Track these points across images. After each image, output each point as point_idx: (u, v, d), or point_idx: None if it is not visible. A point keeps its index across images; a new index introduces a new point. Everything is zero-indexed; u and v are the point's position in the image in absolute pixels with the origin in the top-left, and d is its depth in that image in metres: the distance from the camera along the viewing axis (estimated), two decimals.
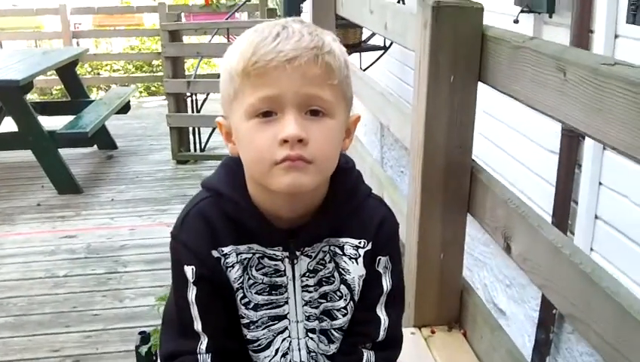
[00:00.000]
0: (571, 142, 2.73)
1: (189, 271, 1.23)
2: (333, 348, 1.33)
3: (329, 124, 1.14)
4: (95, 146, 6.73)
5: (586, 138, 2.55)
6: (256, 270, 1.26)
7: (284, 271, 1.27)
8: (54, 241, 4.62)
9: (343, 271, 1.29)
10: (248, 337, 1.30)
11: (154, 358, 2.48)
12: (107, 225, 4.92)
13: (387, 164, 5.83)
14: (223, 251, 1.24)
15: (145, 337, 2.55)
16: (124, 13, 11.40)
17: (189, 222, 1.25)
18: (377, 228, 1.29)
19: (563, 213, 2.81)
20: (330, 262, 1.28)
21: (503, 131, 3.44)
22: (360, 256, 1.29)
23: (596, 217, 2.66)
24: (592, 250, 2.69)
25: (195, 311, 1.25)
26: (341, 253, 1.28)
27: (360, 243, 1.29)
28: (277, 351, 1.31)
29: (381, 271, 1.31)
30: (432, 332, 2.11)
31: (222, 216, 1.24)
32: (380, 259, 1.30)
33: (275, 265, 1.26)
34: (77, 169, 6.05)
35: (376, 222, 1.30)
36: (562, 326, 2.91)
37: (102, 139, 6.63)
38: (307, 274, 1.28)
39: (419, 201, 2.03)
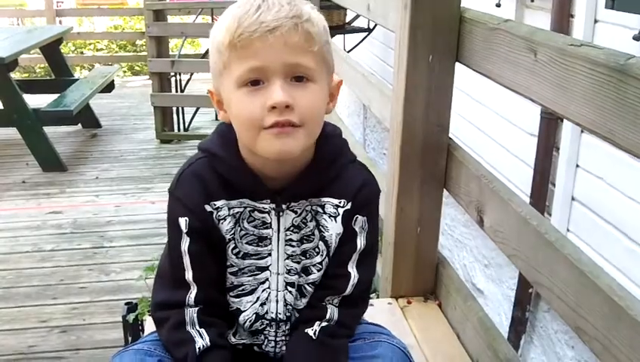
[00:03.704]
0: (550, 125, 2.78)
1: (183, 222, 1.33)
2: (304, 302, 1.42)
3: (313, 88, 1.23)
4: (79, 125, 6.73)
5: (564, 121, 2.62)
6: (248, 222, 1.35)
7: (270, 223, 1.35)
8: (40, 217, 4.65)
9: (322, 229, 1.37)
10: (235, 283, 1.39)
11: (140, 327, 2.54)
12: (92, 202, 4.95)
13: (370, 145, 5.88)
14: (215, 205, 1.33)
15: (131, 307, 2.61)
16: None
17: (184, 180, 1.35)
18: (358, 190, 1.38)
19: (540, 195, 2.86)
20: (311, 220, 1.37)
21: (483, 114, 3.50)
22: (339, 214, 1.37)
23: (573, 199, 2.71)
24: (568, 230, 2.75)
25: (187, 260, 1.34)
26: (322, 212, 1.37)
27: (340, 202, 1.37)
28: (257, 299, 1.40)
29: (357, 229, 1.39)
30: (409, 302, 2.19)
31: (215, 174, 1.33)
32: (357, 217, 1.38)
33: (263, 217, 1.35)
34: (61, 147, 6.05)
35: (358, 184, 1.38)
36: (538, 305, 2.97)
37: (86, 117, 6.64)
38: (291, 228, 1.36)
39: (397, 178, 2.10)
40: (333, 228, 1.37)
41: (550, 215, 2.83)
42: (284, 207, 1.34)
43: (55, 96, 5.92)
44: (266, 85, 1.20)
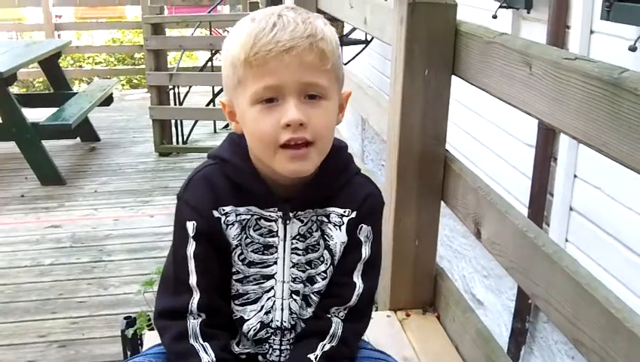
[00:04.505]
0: (547, 136, 2.78)
1: (190, 226, 1.33)
2: (309, 312, 1.42)
3: (325, 105, 1.26)
4: (78, 138, 6.74)
5: (560, 132, 2.62)
6: (254, 230, 1.36)
7: (277, 231, 1.37)
8: (39, 231, 4.65)
9: (327, 238, 1.39)
10: (240, 291, 1.39)
11: (139, 341, 2.54)
12: (91, 216, 4.95)
13: (368, 157, 5.89)
14: (223, 210, 1.34)
15: (130, 321, 2.61)
16: (106, 5, 11.37)
17: (193, 184, 1.36)
18: (363, 200, 1.39)
19: (539, 205, 2.86)
20: (316, 230, 1.38)
21: (481, 125, 3.50)
22: (344, 223, 1.38)
23: (571, 209, 2.71)
24: (567, 241, 2.75)
25: (192, 265, 1.34)
26: (327, 221, 1.38)
27: (345, 212, 1.38)
28: (262, 307, 1.40)
29: (362, 239, 1.40)
30: (407, 315, 2.19)
31: (224, 180, 1.35)
32: (362, 226, 1.40)
33: (270, 225, 1.36)
34: (60, 161, 6.05)
35: (363, 195, 1.40)
36: (538, 316, 2.97)
37: (85, 131, 6.65)
38: (297, 237, 1.38)
39: (395, 190, 2.10)
40: (338, 237, 1.39)
41: (549, 225, 2.84)
42: (291, 215, 1.36)
43: (54, 109, 5.93)
44: (280, 103, 1.22)
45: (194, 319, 1.35)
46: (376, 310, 2.36)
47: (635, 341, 1.15)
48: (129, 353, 2.62)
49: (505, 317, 3.23)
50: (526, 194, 2.92)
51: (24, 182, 5.66)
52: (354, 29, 5.37)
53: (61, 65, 7.44)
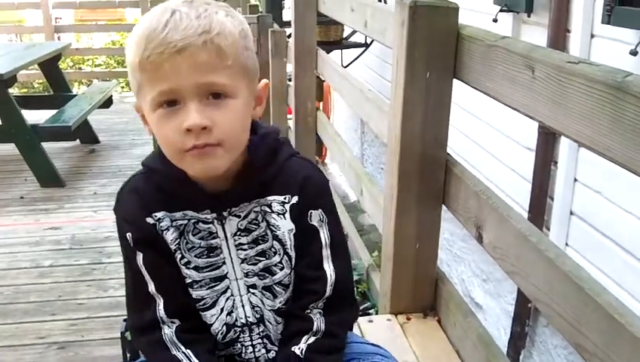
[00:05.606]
0: (547, 140, 2.79)
1: (129, 237, 1.32)
2: (278, 303, 1.38)
3: (231, 104, 1.19)
4: (77, 140, 6.72)
5: (562, 136, 2.63)
6: (193, 235, 1.33)
7: (216, 232, 1.33)
8: (39, 232, 4.63)
9: (273, 228, 1.34)
10: (194, 296, 1.36)
11: None
12: (90, 218, 4.94)
13: (367, 160, 5.89)
14: (156, 216, 1.32)
15: None
16: (106, 8, 11.39)
17: (123, 198, 1.36)
18: (302, 183, 1.35)
19: (539, 209, 2.87)
20: (262, 221, 1.34)
21: (481, 129, 3.51)
22: (286, 210, 1.34)
23: (571, 213, 2.73)
24: (567, 245, 2.75)
25: (146, 274, 1.33)
26: (270, 211, 1.34)
27: (285, 198, 1.34)
28: (222, 309, 1.38)
29: (316, 224, 1.36)
30: (408, 319, 2.19)
31: (154, 188, 1.33)
32: (311, 213, 1.35)
33: (208, 227, 1.33)
34: (59, 162, 6.02)
35: (300, 178, 1.35)
36: (537, 320, 2.98)
37: (84, 133, 6.63)
38: (239, 233, 1.34)
39: (395, 194, 2.10)
40: (284, 226, 1.35)
41: (549, 229, 2.84)
42: (224, 214, 1.33)
43: (53, 111, 5.91)
44: (181, 106, 1.16)
45: (168, 328, 1.33)
46: (377, 313, 2.36)
47: (638, 345, 1.15)
48: (128, 355, 2.60)
49: (504, 321, 3.23)
50: (526, 198, 2.92)
51: (24, 183, 5.64)
52: (354, 32, 5.38)
53: (61, 67, 7.43)
